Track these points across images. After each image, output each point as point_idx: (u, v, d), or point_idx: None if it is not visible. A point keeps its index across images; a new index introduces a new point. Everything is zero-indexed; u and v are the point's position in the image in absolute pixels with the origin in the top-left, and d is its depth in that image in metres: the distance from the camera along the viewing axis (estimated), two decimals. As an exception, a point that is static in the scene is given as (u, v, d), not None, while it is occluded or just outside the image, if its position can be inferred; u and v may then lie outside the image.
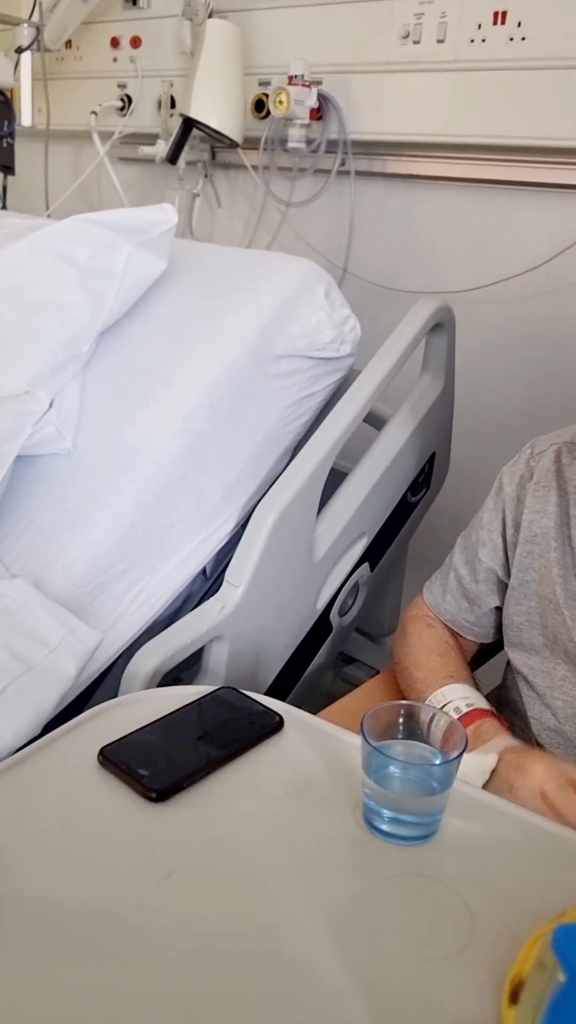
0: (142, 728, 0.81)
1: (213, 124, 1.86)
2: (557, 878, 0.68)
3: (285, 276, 1.34)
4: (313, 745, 0.81)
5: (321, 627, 1.33)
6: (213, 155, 2.10)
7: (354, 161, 1.82)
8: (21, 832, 0.70)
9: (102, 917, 0.63)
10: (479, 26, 1.57)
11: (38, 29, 1.97)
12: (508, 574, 1.05)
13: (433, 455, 1.47)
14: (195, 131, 1.97)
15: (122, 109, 2.20)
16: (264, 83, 1.91)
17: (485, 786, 0.86)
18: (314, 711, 0.91)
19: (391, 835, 0.70)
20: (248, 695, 0.87)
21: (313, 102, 1.77)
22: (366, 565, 1.38)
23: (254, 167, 1.98)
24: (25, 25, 1.96)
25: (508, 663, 1.08)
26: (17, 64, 1.98)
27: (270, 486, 1.17)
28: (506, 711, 1.09)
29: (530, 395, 1.72)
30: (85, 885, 0.66)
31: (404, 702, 0.76)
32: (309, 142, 1.83)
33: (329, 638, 1.37)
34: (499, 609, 1.09)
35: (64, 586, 1.10)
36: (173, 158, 2.00)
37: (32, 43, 1.98)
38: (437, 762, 0.71)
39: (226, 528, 1.26)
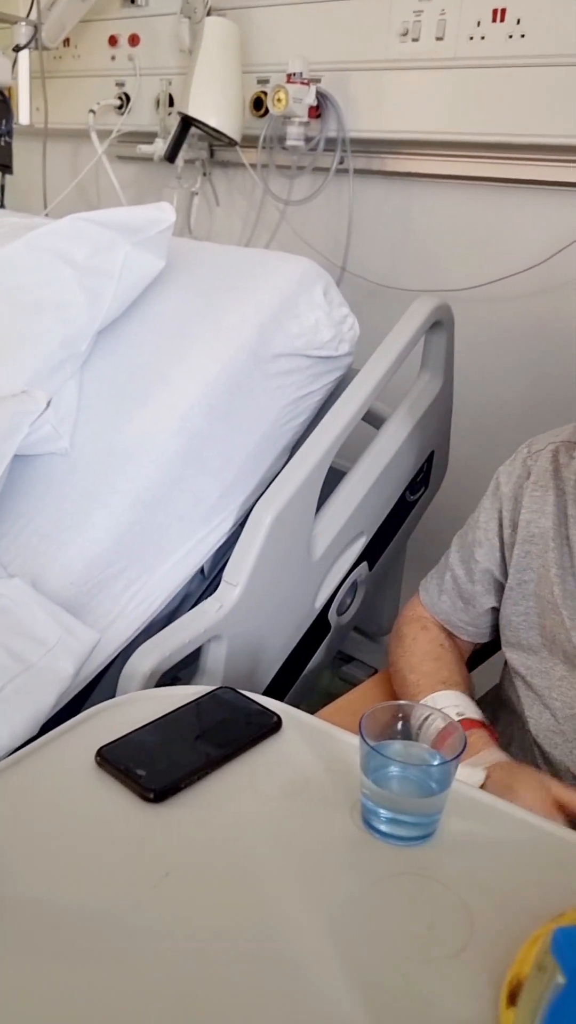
0: (140, 728, 0.81)
1: (211, 122, 1.86)
2: (556, 878, 0.68)
3: (283, 275, 1.34)
4: (311, 745, 0.81)
5: (319, 626, 1.33)
6: (211, 153, 2.10)
7: (353, 159, 1.82)
8: (18, 832, 0.70)
9: (99, 917, 0.63)
10: (478, 23, 1.57)
11: (36, 27, 1.97)
12: (505, 574, 1.05)
13: (432, 454, 1.47)
14: (193, 129, 1.96)
15: (120, 107, 2.19)
16: (263, 81, 1.90)
17: None
18: (312, 710, 0.91)
19: (389, 835, 0.70)
20: (246, 695, 0.87)
21: (312, 100, 1.77)
22: (364, 564, 1.38)
23: (252, 165, 1.98)
24: (23, 23, 1.96)
25: (506, 663, 1.08)
26: (15, 62, 1.97)
27: (268, 485, 1.17)
28: (504, 711, 1.09)
29: (529, 394, 1.72)
30: (82, 885, 0.65)
31: (403, 702, 0.76)
32: (308, 140, 1.82)
33: (327, 637, 1.37)
34: (495, 610, 1.08)
35: (62, 585, 1.10)
36: (171, 156, 1.99)
37: (30, 41, 1.97)
38: (436, 762, 0.71)
39: (224, 527, 1.25)
